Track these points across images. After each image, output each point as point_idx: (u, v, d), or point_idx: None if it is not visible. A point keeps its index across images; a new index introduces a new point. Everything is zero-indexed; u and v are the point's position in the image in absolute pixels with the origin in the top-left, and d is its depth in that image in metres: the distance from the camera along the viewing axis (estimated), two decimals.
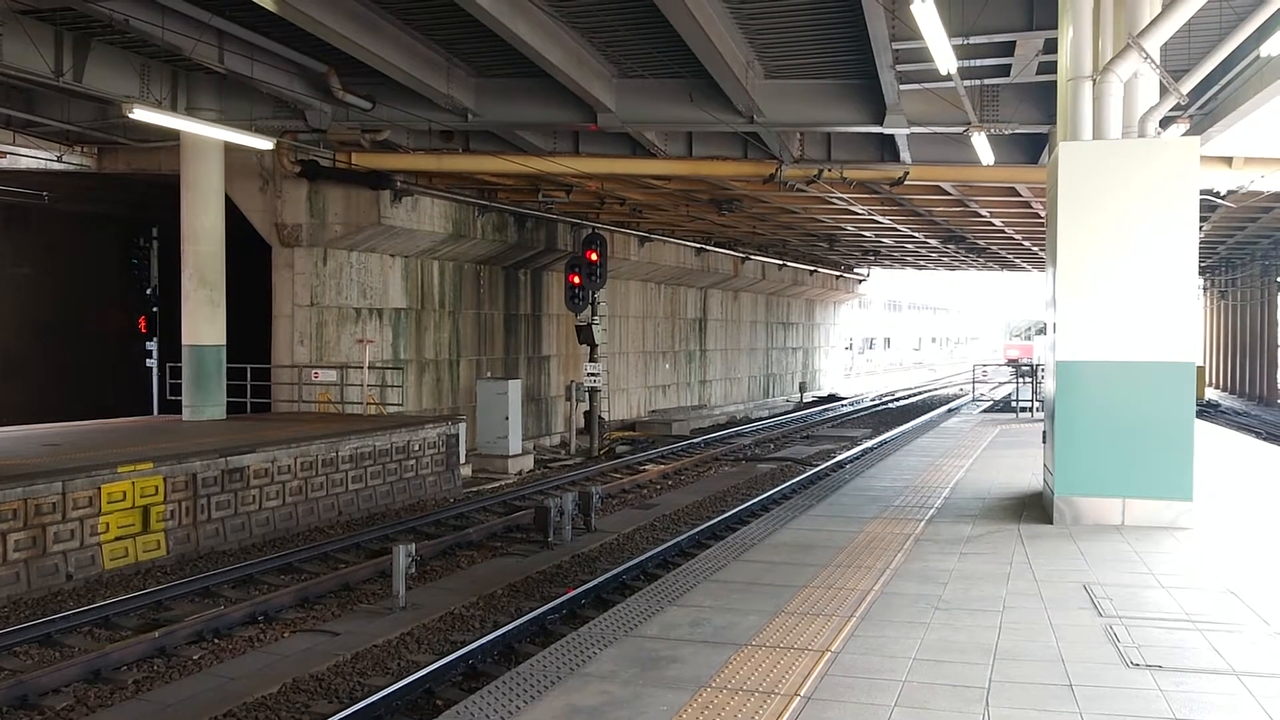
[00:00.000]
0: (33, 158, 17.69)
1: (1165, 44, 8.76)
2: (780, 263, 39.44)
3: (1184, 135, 12.30)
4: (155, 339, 23.27)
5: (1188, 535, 8.32)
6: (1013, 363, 49.44)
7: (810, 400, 43.36)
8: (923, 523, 9.13)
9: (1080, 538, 8.29)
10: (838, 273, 47.54)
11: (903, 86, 13.54)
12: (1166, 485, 8.52)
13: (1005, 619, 6.08)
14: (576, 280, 22.72)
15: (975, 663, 5.29)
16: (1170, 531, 8.42)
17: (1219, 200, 20.14)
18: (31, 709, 7.70)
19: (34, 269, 22.51)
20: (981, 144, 14.75)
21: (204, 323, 16.83)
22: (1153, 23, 8.46)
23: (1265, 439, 21.46)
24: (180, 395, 17.14)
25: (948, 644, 5.61)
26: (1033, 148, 17.36)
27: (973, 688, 4.93)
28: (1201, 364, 45.32)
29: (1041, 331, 54.17)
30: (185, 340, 16.89)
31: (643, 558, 12.12)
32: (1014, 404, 24.89)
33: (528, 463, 20.67)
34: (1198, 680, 5.02)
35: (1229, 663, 5.27)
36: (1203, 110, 13.70)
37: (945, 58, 9.95)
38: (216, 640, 9.32)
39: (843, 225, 28.89)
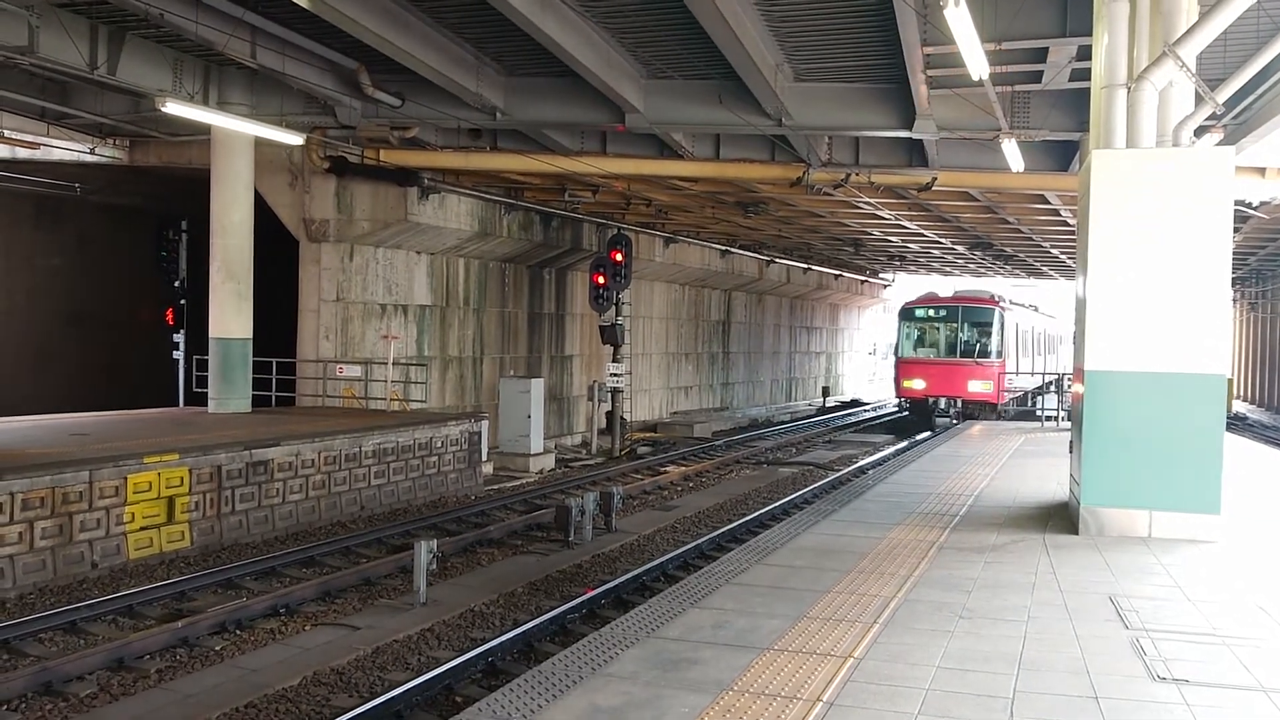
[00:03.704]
0: (65, 149, 17.88)
1: (1201, 53, 8.67)
2: (805, 266, 39.31)
3: (1218, 145, 12.17)
4: (183, 331, 23.38)
5: (1215, 549, 8.23)
6: (913, 400, 28.80)
7: (833, 405, 43.23)
8: (946, 530, 9.07)
9: (1106, 549, 8.21)
10: (862, 277, 47.35)
11: (933, 91, 13.45)
12: (1194, 498, 8.44)
13: (1030, 629, 6.03)
14: (601, 280, 22.74)
15: (999, 672, 5.25)
16: (1197, 545, 8.34)
17: (1251, 211, 19.91)
18: (56, 696, 7.78)
19: (65, 260, 22.75)
20: (1011, 150, 14.66)
21: (231, 316, 16.95)
22: (1189, 31, 8.37)
23: None
24: (206, 387, 17.27)
25: (972, 653, 5.57)
26: (1063, 155, 17.22)
27: (997, 697, 4.89)
28: (1230, 376, 44.46)
29: (984, 326, 28.85)
30: (212, 333, 17.01)
31: (663, 559, 12.11)
32: (1039, 412, 24.71)
33: (549, 462, 20.70)
34: (1224, 696, 4.96)
35: (1257, 679, 5.21)
36: (1237, 120, 13.53)
37: (977, 63, 9.87)
38: (238, 631, 9.38)
39: (869, 230, 28.76)
